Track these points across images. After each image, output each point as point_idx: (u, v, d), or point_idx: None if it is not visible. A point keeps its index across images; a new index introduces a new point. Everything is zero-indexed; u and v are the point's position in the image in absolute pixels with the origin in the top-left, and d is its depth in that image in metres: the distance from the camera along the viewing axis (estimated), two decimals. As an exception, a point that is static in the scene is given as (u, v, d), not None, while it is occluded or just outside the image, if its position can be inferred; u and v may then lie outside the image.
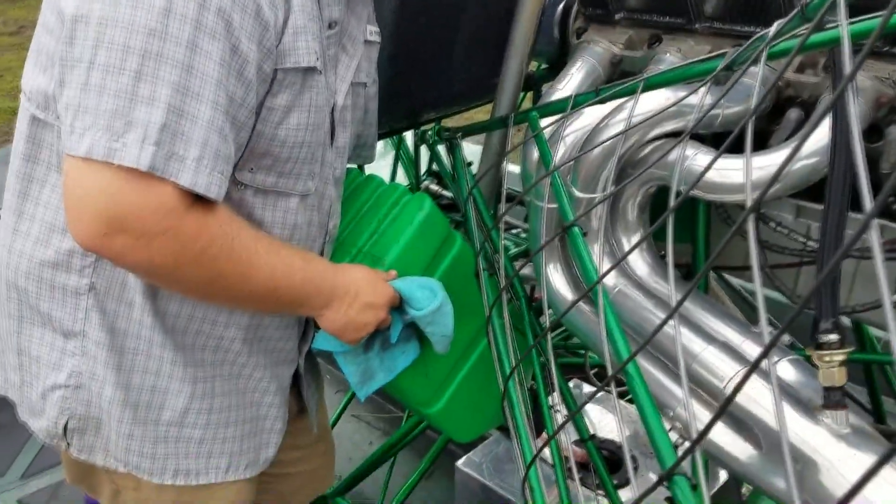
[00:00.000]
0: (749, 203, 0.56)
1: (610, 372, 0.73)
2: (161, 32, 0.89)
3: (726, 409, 0.63)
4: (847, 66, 0.55)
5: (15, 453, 2.39)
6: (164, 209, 0.92)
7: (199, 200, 0.96)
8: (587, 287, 1.03)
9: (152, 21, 0.88)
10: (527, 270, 1.77)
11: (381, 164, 2.86)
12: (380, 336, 1.28)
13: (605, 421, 1.89)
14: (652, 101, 1.17)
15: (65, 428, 1.15)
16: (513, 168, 2.45)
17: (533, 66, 1.79)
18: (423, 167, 2.62)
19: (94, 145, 0.89)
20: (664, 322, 0.64)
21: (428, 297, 1.24)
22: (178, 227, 0.93)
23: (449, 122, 2.00)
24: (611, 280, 1.25)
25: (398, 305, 1.25)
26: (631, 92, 1.12)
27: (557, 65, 1.69)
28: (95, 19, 0.89)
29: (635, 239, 1.30)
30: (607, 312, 0.83)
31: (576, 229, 1.01)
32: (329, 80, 1.15)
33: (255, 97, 0.99)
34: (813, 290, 0.49)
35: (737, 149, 0.85)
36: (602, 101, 1.18)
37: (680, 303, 0.62)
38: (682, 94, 1.09)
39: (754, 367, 0.51)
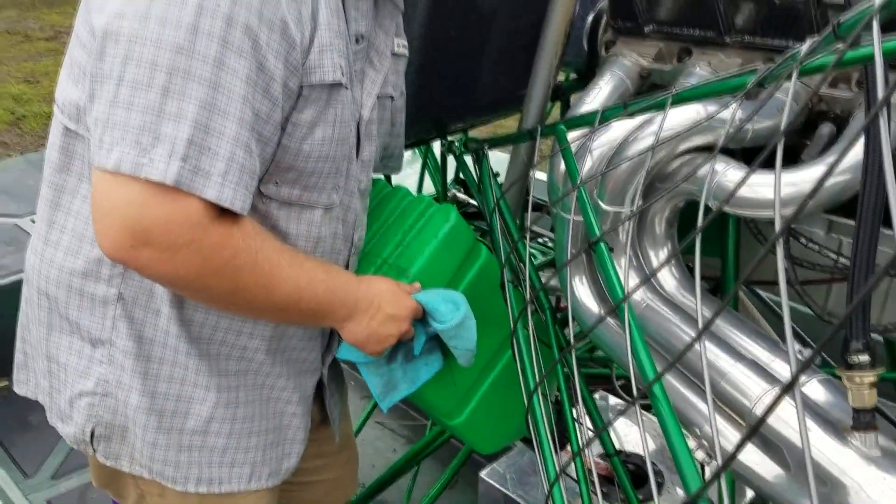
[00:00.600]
0: (778, 227, 0.55)
1: (635, 388, 0.72)
2: (188, 50, 0.90)
3: (754, 434, 0.62)
4: (881, 89, 0.54)
5: (46, 454, 2.43)
6: (189, 222, 0.93)
7: (224, 213, 0.97)
8: (613, 303, 1.03)
9: (180, 38, 0.90)
10: (552, 281, 1.77)
11: (409, 172, 2.87)
12: (403, 347, 1.28)
13: (631, 433, 1.87)
14: (681, 115, 1.16)
15: (91, 434, 1.16)
16: (540, 176, 2.44)
17: (561, 76, 1.79)
18: (450, 175, 2.62)
19: (123, 159, 0.91)
20: (691, 345, 0.63)
21: (451, 311, 1.23)
22: (202, 240, 0.95)
23: (476, 132, 2.00)
24: (638, 295, 1.24)
25: (421, 318, 1.25)
26: (659, 106, 1.11)
27: (586, 75, 1.68)
28: (125, 36, 0.91)
29: (663, 253, 1.29)
30: (633, 331, 0.82)
31: (602, 245, 1.00)
32: (355, 94, 1.15)
33: (280, 113, 1.00)
34: (844, 318, 0.48)
35: (768, 163, 0.84)
36: (630, 115, 1.18)
37: (707, 326, 0.61)
38: (711, 109, 1.08)
39: (784, 392, 0.50)
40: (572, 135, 1.30)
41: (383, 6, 1.22)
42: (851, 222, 1.21)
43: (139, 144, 0.90)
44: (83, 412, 1.15)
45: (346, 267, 1.27)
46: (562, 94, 1.87)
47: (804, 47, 0.74)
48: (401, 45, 1.31)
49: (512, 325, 1.27)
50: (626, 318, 0.83)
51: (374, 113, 1.22)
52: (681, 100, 1.08)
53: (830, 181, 1.09)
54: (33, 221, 2.67)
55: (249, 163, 0.97)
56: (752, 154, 1.23)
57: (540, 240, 2.61)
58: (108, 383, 1.13)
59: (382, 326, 1.18)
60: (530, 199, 1.30)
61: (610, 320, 1.30)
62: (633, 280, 1.20)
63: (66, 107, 1.08)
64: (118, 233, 0.93)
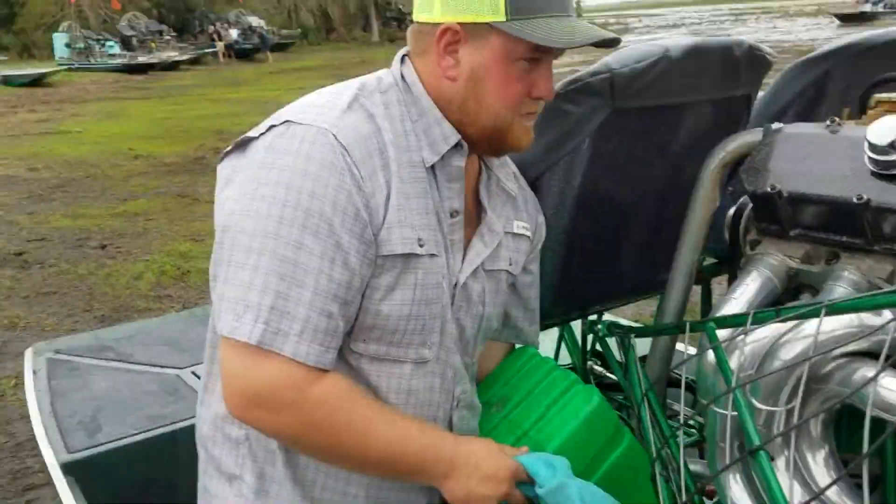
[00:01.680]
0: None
1: None
2: (274, 235, 1.12)
3: None
4: None
5: None
6: (290, 384, 1.12)
7: (321, 376, 1.13)
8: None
9: (269, 227, 1.12)
10: (700, 468, 1.74)
11: (546, 339, 2.93)
12: None
13: None
14: (835, 321, 1.18)
15: None
16: (688, 349, 2.42)
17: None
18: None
19: (225, 325, 1.13)
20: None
21: (550, 475, 1.22)
22: (302, 400, 1.13)
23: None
24: (798, 500, 1.22)
25: (528, 481, 1.24)
26: (813, 315, 1.14)
27: (726, 259, 1.72)
28: (233, 228, 1.16)
29: (821, 455, 1.27)
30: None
31: (764, 455, 1.02)
32: (450, 261, 1.29)
33: (360, 279, 1.17)
34: None
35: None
36: (783, 321, 1.21)
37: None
38: (867, 322, 1.10)
39: None
40: (721, 333, 1.33)
41: (496, 194, 1.39)
42: None
43: (235, 312, 1.12)
44: None
45: (450, 421, 1.34)
46: (701, 278, 1.91)
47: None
48: (521, 227, 1.45)
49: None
50: (794, 543, 0.84)
51: (476, 281, 1.33)
52: (834, 310, 1.11)
53: None
54: (194, 374, 2.83)
55: (326, 324, 1.14)
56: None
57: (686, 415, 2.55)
58: None
59: (480, 486, 1.22)
60: (682, 402, 1.32)
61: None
62: (794, 488, 1.19)
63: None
64: (236, 396, 1.15)
